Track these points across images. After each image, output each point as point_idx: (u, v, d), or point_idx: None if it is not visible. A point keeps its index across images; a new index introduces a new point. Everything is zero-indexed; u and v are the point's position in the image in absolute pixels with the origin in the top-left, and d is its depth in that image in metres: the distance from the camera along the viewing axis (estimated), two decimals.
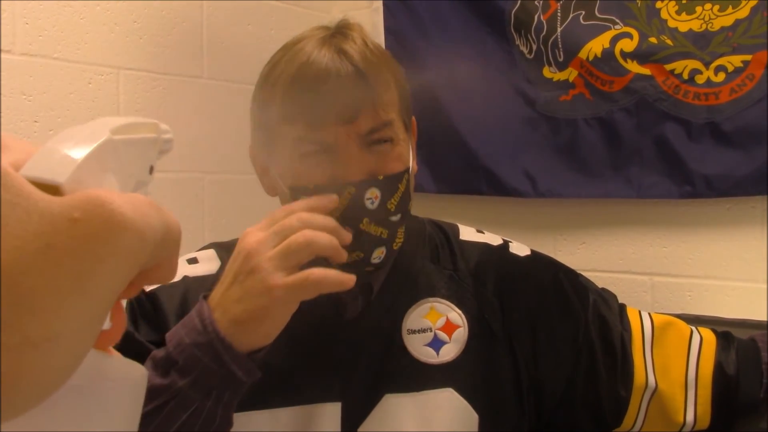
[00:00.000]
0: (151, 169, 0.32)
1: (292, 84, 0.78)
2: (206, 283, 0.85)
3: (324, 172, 0.78)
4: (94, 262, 0.23)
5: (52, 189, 0.24)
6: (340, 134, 0.77)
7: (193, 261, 0.89)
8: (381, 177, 0.78)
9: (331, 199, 0.74)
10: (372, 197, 0.77)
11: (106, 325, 0.29)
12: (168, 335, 0.71)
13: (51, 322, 0.22)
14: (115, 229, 0.23)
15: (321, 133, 0.77)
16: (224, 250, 0.90)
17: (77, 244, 0.22)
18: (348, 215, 0.76)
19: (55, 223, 0.22)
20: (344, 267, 0.80)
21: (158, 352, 0.70)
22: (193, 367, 0.67)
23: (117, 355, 0.31)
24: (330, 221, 0.72)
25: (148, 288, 0.84)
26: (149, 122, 0.32)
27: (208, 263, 0.88)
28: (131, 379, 0.30)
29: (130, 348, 0.80)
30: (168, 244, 0.27)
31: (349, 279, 0.70)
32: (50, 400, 0.24)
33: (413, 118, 0.89)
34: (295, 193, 0.79)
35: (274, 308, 0.68)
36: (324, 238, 0.70)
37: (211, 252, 0.90)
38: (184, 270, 0.87)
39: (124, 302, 0.31)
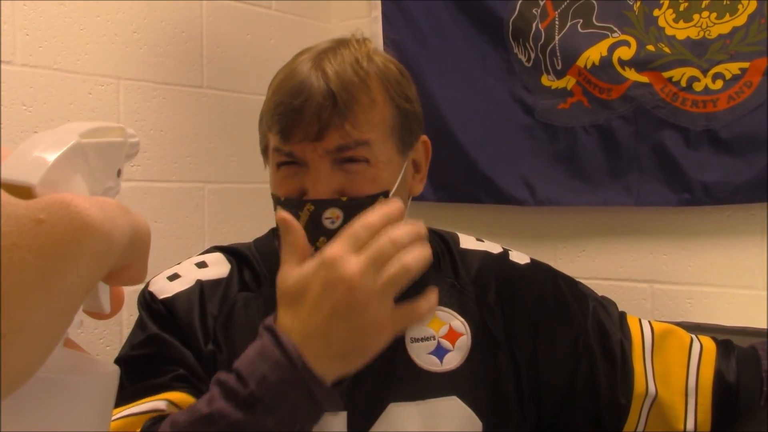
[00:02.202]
0: (119, 172, 0.32)
1: (273, 94, 0.81)
2: (221, 287, 0.85)
3: (295, 185, 0.80)
4: (58, 260, 0.24)
5: (25, 191, 0.25)
6: (307, 150, 0.78)
7: (202, 265, 0.88)
8: (345, 198, 0.78)
9: (398, 206, 0.70)
10: (332, 217, 0.78)
11: (105, 308, 0.30)
12: (242, 367, 0.67)
13: (16, 314, 0.23)
14: (80, 230, 0.24)
15: (292, 146, 0.79)
16: (229, 253, 0.90)
17: (42, 244, 0.23)
18: (309, 232, 0.76)
19: (20, 225, 0.23)
20: None
21: (230, 380, 0.67)
22: (281, 403, 0.65)
23: (90, 355, 0.31)
24: (416, 230, 0.68)
25: (163, 295, 0.83)
26: (116, 126, 0.32)
27: (218, 266, 0.88)
28: (102, 374, 0.30)
29: (162, 350, 0.78)
30: (137, 246, 0.28)
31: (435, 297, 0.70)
32: (20, 391, 0.25)
33: (423, 138, 0.89)
34: (274, 200, 0.82)
35: (383, 342, 0.68)
36: (418, 259, 0.66)
37: (219, 255, 0.90)
38: (196, 274, 0.86)
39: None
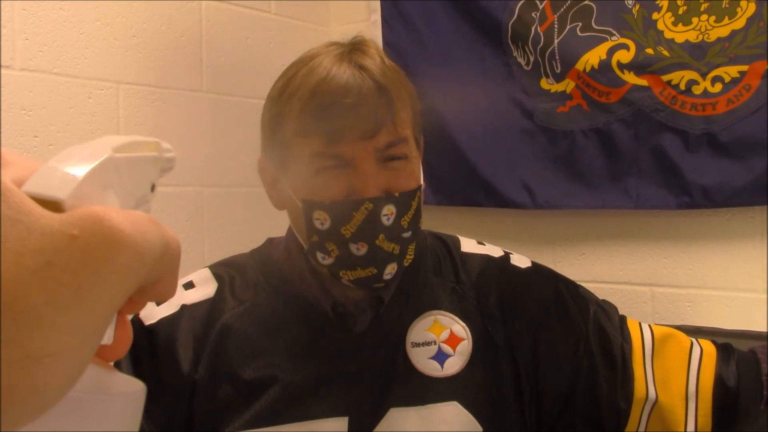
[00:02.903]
0: (153, 187, 0.32)
1: (311, 98, 0.78)
2: (205, 309, 0.84)
3: (340, 187, 0.78)
4: (93, 278, 0.23)
5: (54, 205, 0.25)
6: (358, 149, 0.77)
7: (189, 285, 0.87)
8: (397, 194, 0.79)
9: None
10: (388, 213, 0.78)
11: (108, 339, 0.29)
12: None
13: (51, 337, 0.22)
14: (113, 245, 0.24)
15: (339, 148, 0.77)
16: (224, 266, 0.90)
17: (76, 261, 0.23)
18: (364, 231, 0.77)
19: (55, 241, 0.23)
20: (357, 283, 0.80)
21: None
22: None
23: (115, 371, 0.31)
24: None
25: (148, 321, 0.83)
26: (151, 141, 0.32)
27: (204, 286, 0.87)
28: (130, 393, 0.30)
29: None
30: (167, 261, 0.27)
31: None
32: (48, 412, 0.24)
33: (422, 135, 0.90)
34: (309, 207, 0.79)
35: None
36: None
37: (206, 272, 0.89)
38: (181, 298, 0.85)
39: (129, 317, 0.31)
